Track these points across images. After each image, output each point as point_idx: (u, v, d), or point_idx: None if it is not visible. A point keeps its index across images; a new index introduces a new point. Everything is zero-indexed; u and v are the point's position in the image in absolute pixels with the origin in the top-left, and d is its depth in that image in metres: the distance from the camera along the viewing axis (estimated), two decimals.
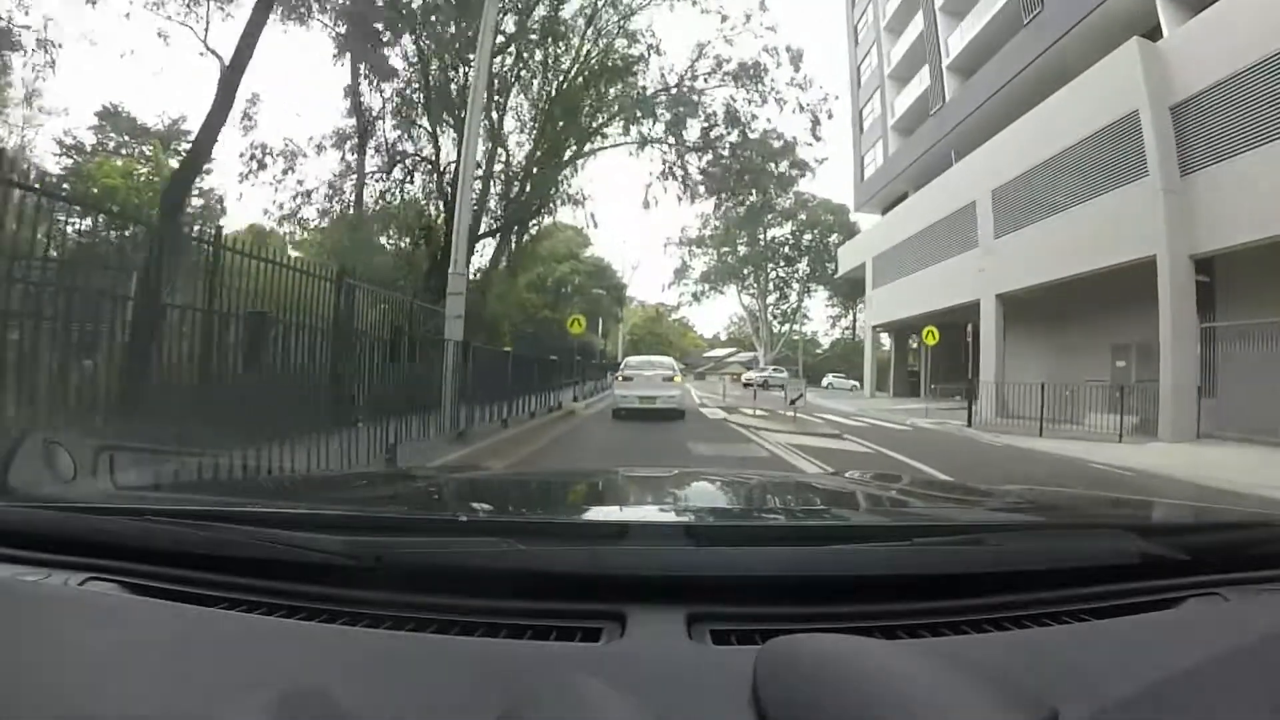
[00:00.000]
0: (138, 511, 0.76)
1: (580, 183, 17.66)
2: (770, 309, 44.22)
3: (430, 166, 15.54)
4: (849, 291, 42.26)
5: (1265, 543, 0.84)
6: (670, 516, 1.09)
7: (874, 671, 0.46)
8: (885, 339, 32.46)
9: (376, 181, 16.08)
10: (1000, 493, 1.39)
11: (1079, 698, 0.49)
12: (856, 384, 35.23)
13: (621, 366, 14.20)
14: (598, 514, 1.18)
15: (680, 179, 16.46)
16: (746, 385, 28.87)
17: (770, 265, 43.07)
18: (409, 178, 16.09)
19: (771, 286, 43.81)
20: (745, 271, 42.90)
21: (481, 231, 15.14)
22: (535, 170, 15.36)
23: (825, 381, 37.56)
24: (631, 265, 54.51)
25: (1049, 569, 0.72)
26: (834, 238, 40.79)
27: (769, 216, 39.90)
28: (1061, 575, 0.71)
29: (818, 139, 16.64)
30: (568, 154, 15.95)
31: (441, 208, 14.57)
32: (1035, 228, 14.13)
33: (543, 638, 0.60)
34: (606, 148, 16.31)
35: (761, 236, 41.68)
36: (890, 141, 26.56)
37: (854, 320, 46.75)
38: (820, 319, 49.47)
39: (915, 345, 27.45)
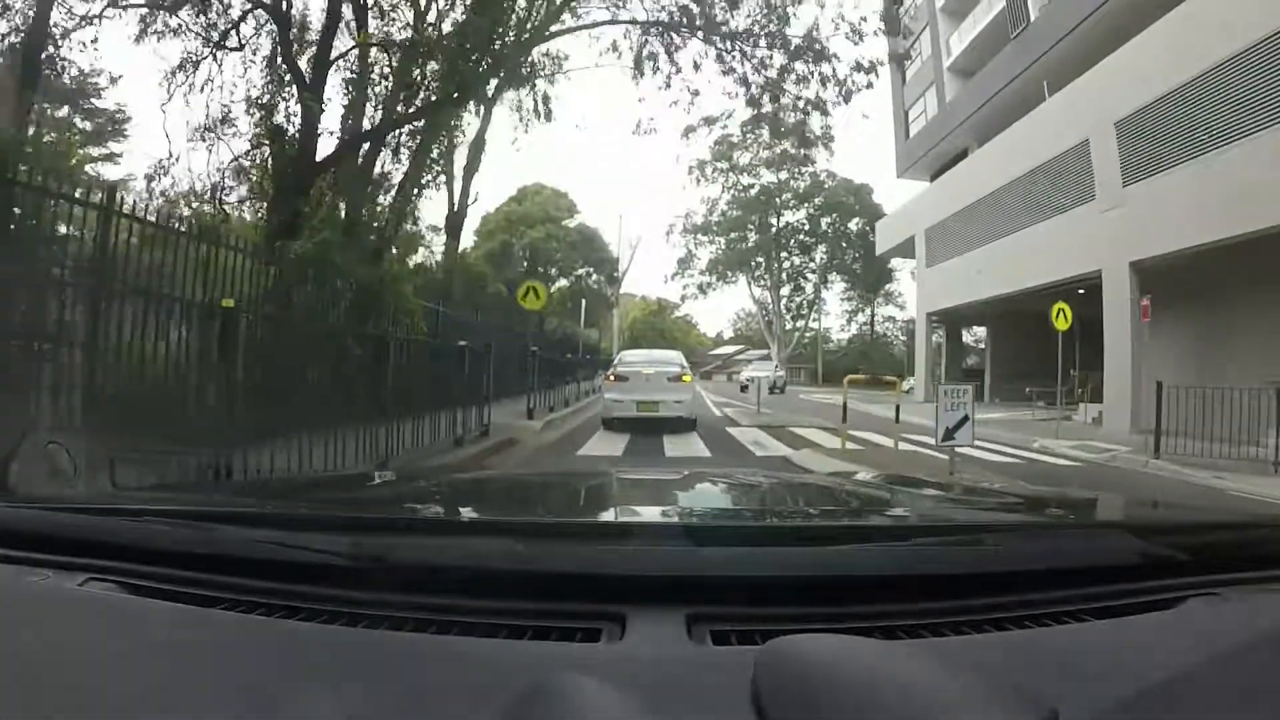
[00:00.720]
0: (137, 512, 0.76)
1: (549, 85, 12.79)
2: (784, 301, 39.98)
3: (273, 18, 8.84)
4: (872, 283, 39.21)
5: (1265, 543, 0.84)
6: (670, 516, 1.09)
7: (874, 671, 0.46)
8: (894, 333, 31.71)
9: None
10: (1000, 493, 1.39)
11: (1079, 698, 0.49)
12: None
13: (614, 362, 10.97)
14: (598, 514, 1.18)
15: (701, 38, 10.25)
16: (745, 388, 23.64)
17: (784, 253, 39.28)
18: (231, 35, 9.53)
19: (785, 277, 39.62)
20: (757, 259, 39.05)
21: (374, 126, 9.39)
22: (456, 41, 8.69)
23: (907, 385, 32.33)
24: (629, 244, 40.89)
25: (1049, 569, 0.72)
26: (855, 222, 37.82)
27: (783, 197, 37.26)
28: (1061, 575, 0.71)
29: (893, 32, 11.32)
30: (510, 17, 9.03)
31: (294, 92, 8.77)
32: (1195, 165, 9.92)
33: (543, 638, 0.60)
34: (576, 29, 10.75)
35: (774, 221, 38.37)
36: (946, 87, 21.14)
37: (872, 315, 43.96)
38: (835, 313, 45.43)
39: (972, 338, 23.98)
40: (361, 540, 0.70)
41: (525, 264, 31.12)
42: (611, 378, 9.99)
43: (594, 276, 35.47)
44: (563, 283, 34.67)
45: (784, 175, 37.10)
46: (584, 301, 31.12)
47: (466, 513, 1.00)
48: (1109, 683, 0.52)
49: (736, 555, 0.72)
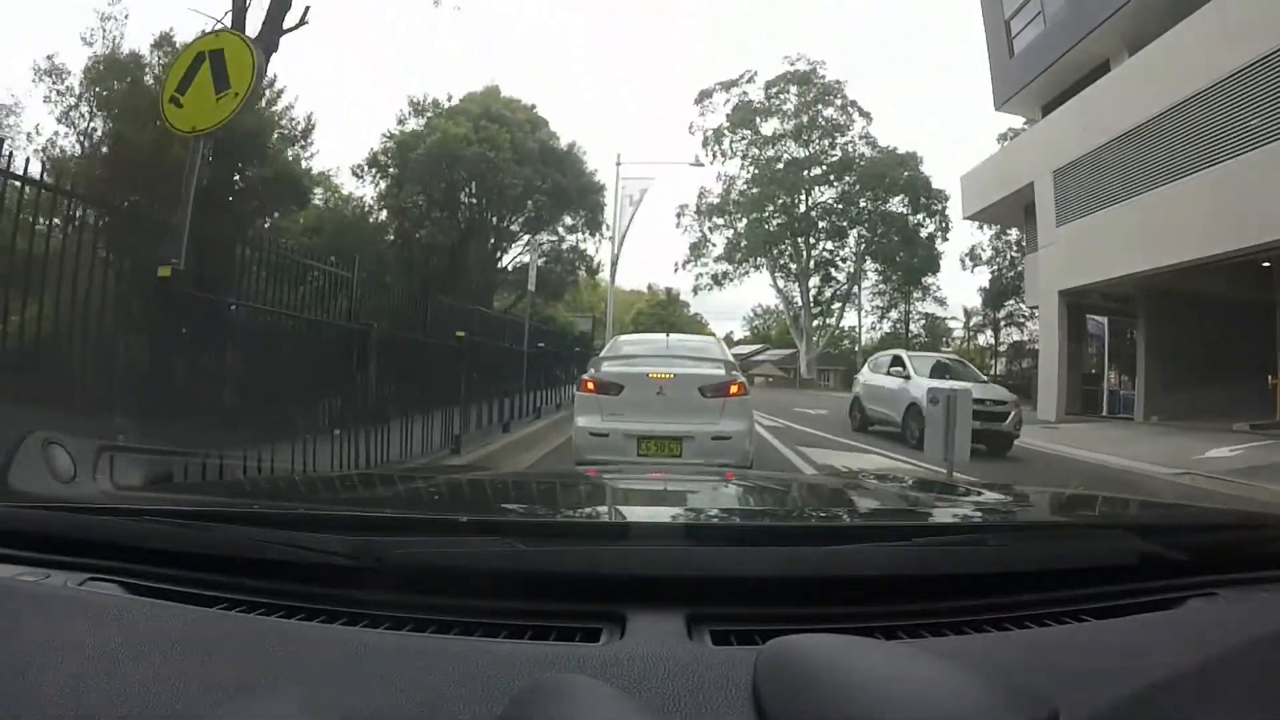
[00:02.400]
0: (137, 511, 0.76)
1: None
2: (812, 293, 34.19)
3: None
4: (917, 271, 33.39)
5: (1265, 542, 0.84)
6: (670, 517, 1.09)
7: (874, 671, 0.46)
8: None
9: None
10: (1000, 493, 1.39)
11: (1079, 698, 0.49)
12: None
13: (600, 356, 6.01)
14: (598, 514, 1.18)
15: None
16: (860, 414, 11.23)
17: (813, 238, 33.48)
18: None
19: (813, 266, 33.78)
20: (782, 245, 33.46)
21: None
22: None
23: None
24: (629, 199, 18.85)
25: (1049, 569, 0.72)
26: (897, 199, 32.37)
27: (812, 171, 32.23)
28: (1061, 575, 0.72)
29: None
30: None
31: None
32: None
33: (543, 638, 0.60)
34: None
35: (803, 199, 33.11)
36: None
37: (908, 311, 37.68)
38: (864, 308, 38.15)
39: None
40: (361, 540, 0.70)
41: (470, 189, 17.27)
42: (590, 385, 5.05)
43: (566, 219, 20.91)
44: (521, 249, 20.51)
45: (814, 148, 32.74)
46: (539, 245, 15.30)
47: (466, 512, 1.00)
48: (1109, 683, 0.52)
49: (736, 555, 0.72)
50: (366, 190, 18.83)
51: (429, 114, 19.16)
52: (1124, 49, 13.15)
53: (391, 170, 18.71)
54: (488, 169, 17.89)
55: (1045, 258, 15.07)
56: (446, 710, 0.49)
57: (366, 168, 18.75)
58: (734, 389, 4.93)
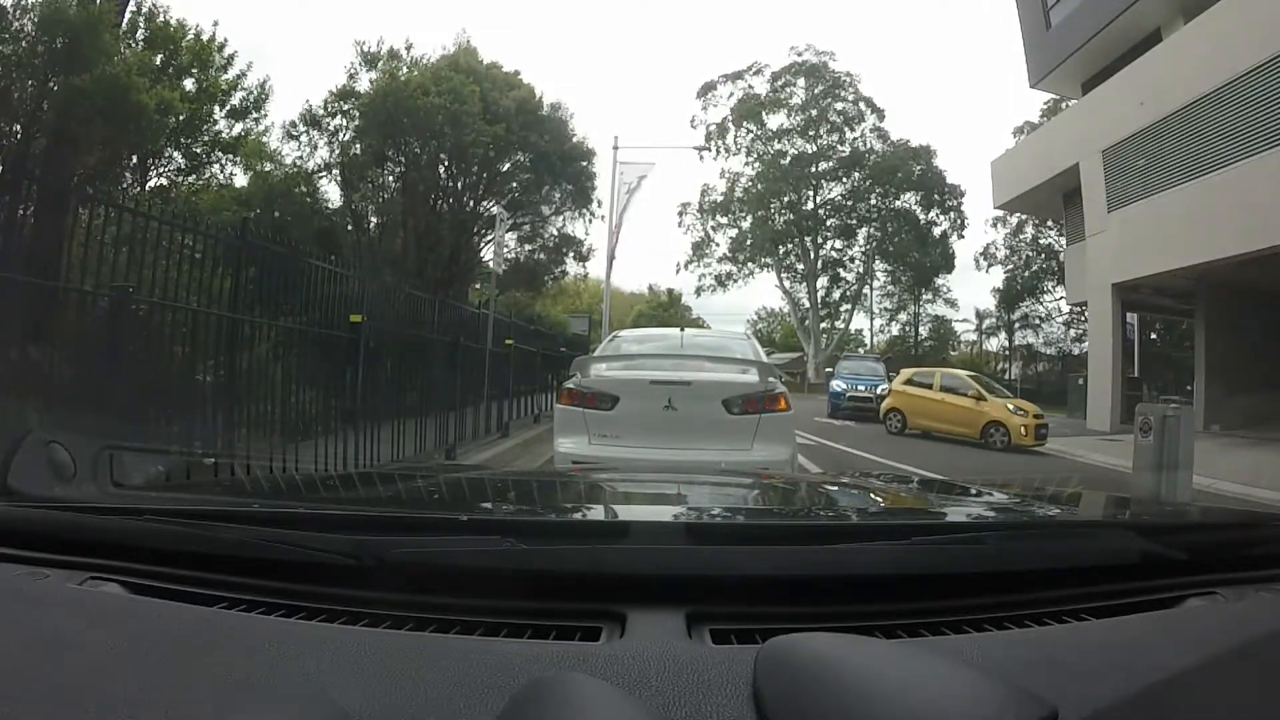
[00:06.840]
0: (137, 511, 0.76)
1: None
2: (820, 294, 32.62)
3: None
4: (932, 270, 31.55)
5: (1265, 542, 0.84)
6: (670, 516, 1.09)
7: (874, 671, 0.46)
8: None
9: None
10: (1000, 493, 1.39)
11: (1079, 698, 0.49)
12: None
13: (591, 355, 4.57)
14: (598, 514, 1.18)
15: None
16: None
17: (821, 237, 32.08)
18: None
19: (820, 266, 32.35)
20: (789, 245, 32.08)
21: None
22: None
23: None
24: (626, 185, 15.87)
25: (1049, 569, 0.72)
26: (909, 196, 31.08)
27: (820, 166, 30.88)
28: (1061, 575, 0.72)
29: None
30: None
31: None
32: None
33: (543, 637, 0.60)
34: None
35: (810, 195, 31.67)
36: None
37: (917, 313, 35.73)
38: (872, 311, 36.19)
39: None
40: (361, 539, 0.70)
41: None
42: (573, 396, 3.89)
43: (554, 196, 17.34)
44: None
45: (821, 142, 31.27)
46: (506, 219, 11.70)
47: (467, 512, 1.00)
48: (1109, 682, 0.52)
49: (736, 554, 0.72)
50: (306, 155, 14.94)
51: (383, 65, 15.38)
52: (1178, 15, 12.01)
53: (336, 130, 14.99)
54: (445, 122, 13.59)
55: (1094, 247, 13.53)
56: (446, 709, 0.49)
57: (300, 125, 14.66)
58: (780, 403, 3.74)
